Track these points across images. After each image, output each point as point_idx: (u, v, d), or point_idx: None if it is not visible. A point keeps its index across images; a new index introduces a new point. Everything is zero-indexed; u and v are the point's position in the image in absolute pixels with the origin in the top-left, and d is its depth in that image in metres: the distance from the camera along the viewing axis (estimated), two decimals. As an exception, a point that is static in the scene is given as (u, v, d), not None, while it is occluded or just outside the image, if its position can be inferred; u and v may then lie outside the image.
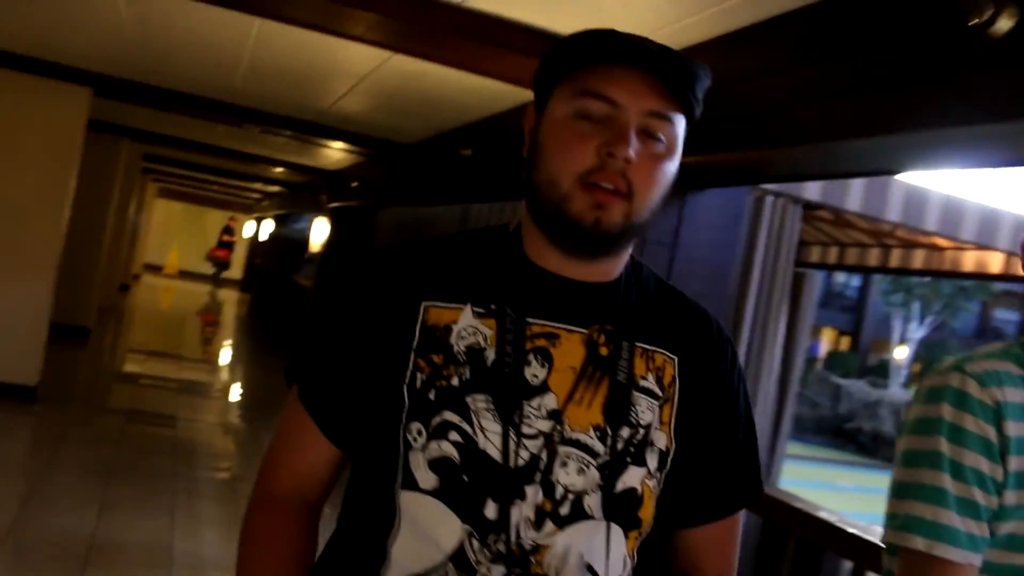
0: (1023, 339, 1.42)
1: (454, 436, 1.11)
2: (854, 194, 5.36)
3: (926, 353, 24.78)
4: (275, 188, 16.51)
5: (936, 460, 1.31)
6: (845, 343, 30.26)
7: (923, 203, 5.70)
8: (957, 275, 8.30)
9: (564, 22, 3.31)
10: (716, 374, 1.28)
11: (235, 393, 10.62)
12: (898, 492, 1.35)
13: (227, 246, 27.11)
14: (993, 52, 2.05)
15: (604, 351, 1.18)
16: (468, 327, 1.16)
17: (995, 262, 7.07)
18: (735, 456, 1.29)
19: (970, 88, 2.17)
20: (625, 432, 1.16)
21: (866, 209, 5.42)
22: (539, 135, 1.19)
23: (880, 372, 26.34)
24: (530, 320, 1.17)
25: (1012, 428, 1.30)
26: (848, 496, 17.00)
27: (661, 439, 1.20)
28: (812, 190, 5.15)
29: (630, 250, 1.26)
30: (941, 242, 6.86)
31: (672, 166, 1.16)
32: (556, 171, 1.13)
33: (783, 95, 2.92)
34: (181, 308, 19.78)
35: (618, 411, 1.16)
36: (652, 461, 1.18)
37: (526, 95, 4.48)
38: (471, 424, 1.11)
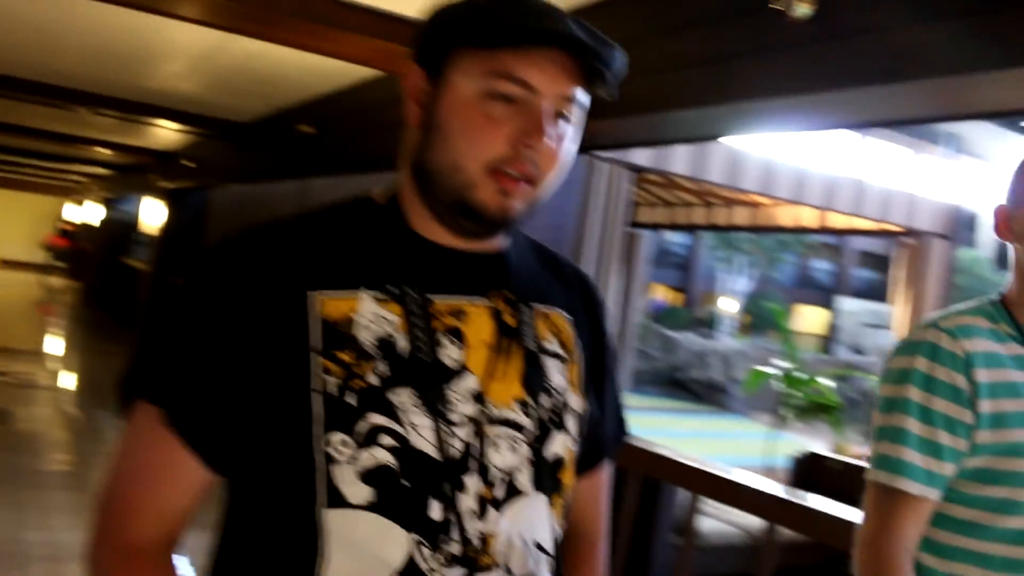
0: (996, 298, 1.56)
1: (387, 440, 1.01)
2: (680, 158, 5.73)
3: (751, 304, 26.13)
4: (102, 170, 15.85)
5: (906, 406, 1.45)
6: (678, 299, 31.56)
7: (742, 165, 6.14)
8: (776, 229, 8.89)
9: (403, 3, 3.41)
10: (600, 327, 1.28)
11: (71, 382, 10.27)
12: (875, 436, 1.51)
13: (68, 235, 25.73)
14: (794, 33, 2.33)
15: (510, 320, 1.13)
16: (371, 315, 1.05)
17: (809, 216, 7.65)
18: (610, 403, 1.29)
19: (775, 64, 2.44)
20: (546, 401, 1.12)
21: (691, 171, 5.80)
22: (439, 110, 1.07)
23: (709, 324, 27.60)
24: (433, 298, 1.08)
25: (982, 375, 1.44)
26: (685, 440, 17.84)
27: (575, 401, 1.17)
28: (641, 156, 5.46)
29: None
30: (760, 199, 7.35)
31: (575, 145, 1.11)
32: (462, 156, 1.04)
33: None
34: (7, 299, 18.75)
35: (535, 380, 1.12)
36: (572, 425, 1.15)
37: (366, 72, 4.59)
38: (401, 424, 1.02)
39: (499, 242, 1.16)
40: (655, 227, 9.55)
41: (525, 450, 1.09)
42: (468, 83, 1.05)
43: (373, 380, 1.02)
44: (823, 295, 31.37)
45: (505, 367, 1.10)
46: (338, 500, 1.00)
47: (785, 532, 2.71)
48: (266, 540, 1.05)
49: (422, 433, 1.03)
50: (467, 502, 1.04)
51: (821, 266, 32.39)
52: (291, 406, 1.01)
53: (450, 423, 1.04)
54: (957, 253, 8.14)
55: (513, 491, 1.08)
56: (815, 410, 7.40)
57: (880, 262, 30.63)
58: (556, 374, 1.15)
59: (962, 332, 1.47)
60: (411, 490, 1.02)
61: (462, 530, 1.04)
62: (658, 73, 2.83)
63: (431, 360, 1.05)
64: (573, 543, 1.28)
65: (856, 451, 8.00)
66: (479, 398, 1.07)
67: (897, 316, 7.66)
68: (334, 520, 1.00)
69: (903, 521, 1.44)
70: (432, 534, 1.02)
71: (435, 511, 1.03)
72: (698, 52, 2.70)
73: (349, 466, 1.00)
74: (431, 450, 1.03)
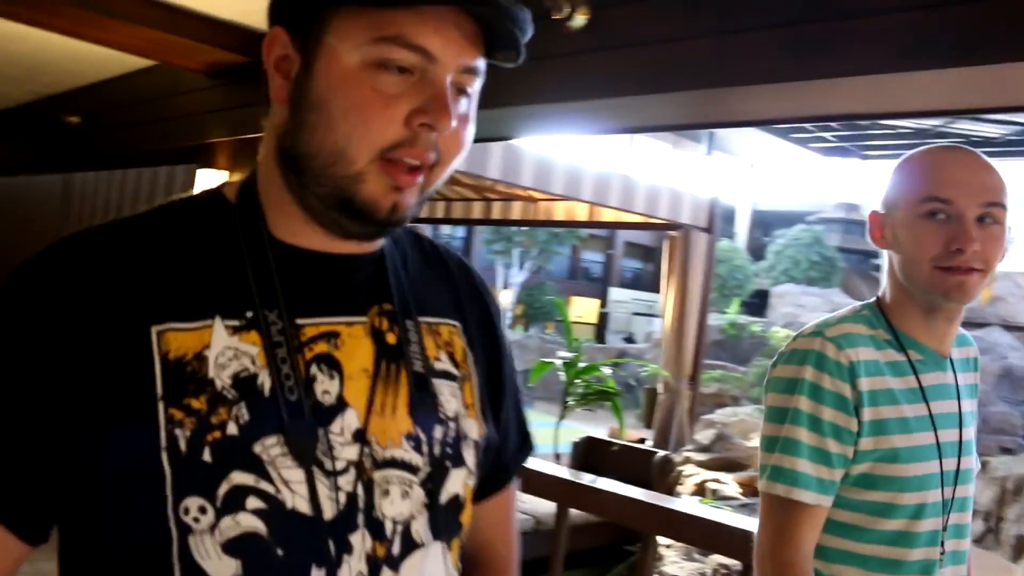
0: (873, 303, 1.60)
1: (254, 503, 0.84)
2: (460, 155, 5.84)
3: (526, 295, 26.81)
4: None
5: (796, 416, 1.48)
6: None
7: (519, 161, 6.35)
8: (550, 223, 9.20)
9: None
10: (494, 332, 1.11)
11: None
12: (766, 446, 1.53)
13: None
14: (571, 43, 2.47)
15: (391, 338, 0.96)
16: (225, 350, 0.86)
17: (581, 211, 7.98)
18: (512, 419, 1.14)
19: (556, 71, 2.58)
20: (439, 432, 0.96)
21: (470, 168, 5.94)
22: (313, 84, 0.87)
23: (487, 316, 27.93)
24: (300, 322, 0.91)
25: (865, 384, 1.47)
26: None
27: (472, 428, 1.00)
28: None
29: None
30: (535, 195, 7.60)
31: (474, 124, 0.94)
32: (347, 142, 0.85)
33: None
34: None
35: (426, 409, 0.96)
36: (470, 457, 1.00)
37: (137, 61, 4.43)
38: (270, 480, 0.84)
39: (378, 241, 0.99)
40: (432, 221, 9.67)
41: (419, 494, 0.93)
42: (350, 50, 0.85)
43: (232, 430, 0.84)
44: (596, 286, 32.62)
45: (390, 397, 0.93)
46: None
47: (574, 514, 2.86)
48: None
49: (296, 489, 0.85)
50: (356, 565, 0.88)
51: (594, 258, 33.70)
52: (135, 468, 0.83)
53: (329, 473, 0.87)
54: (718, 244, 8.73)
55: (410, 544, 0.92)
56: (597, 397, 7.74)
57: (648, 253, 32.25)
58: (449, 399, 0.99)
59: (847, 341, 1.49)
60: (286, 559, 0.85)
61: None
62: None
63: (301, 398, 0.87)
64: (484, 573, 1.15)
65: (632, 435, 8.45)
66: (362, 438, 0.90)
67: (664, 305, 8.13)
68: None
69: (801, 530, 1.47)
70: None
71: None
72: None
73: (208, 536, 0.83)
74: (308, 508, 0.86)
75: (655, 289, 9.45)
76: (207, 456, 0.83)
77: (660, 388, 8.16)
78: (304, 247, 0.93)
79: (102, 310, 0.84)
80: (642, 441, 8.21)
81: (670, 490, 6.58)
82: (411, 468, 0.93)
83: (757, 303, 22.69)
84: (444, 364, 1.00)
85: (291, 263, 0.93)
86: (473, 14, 0.86)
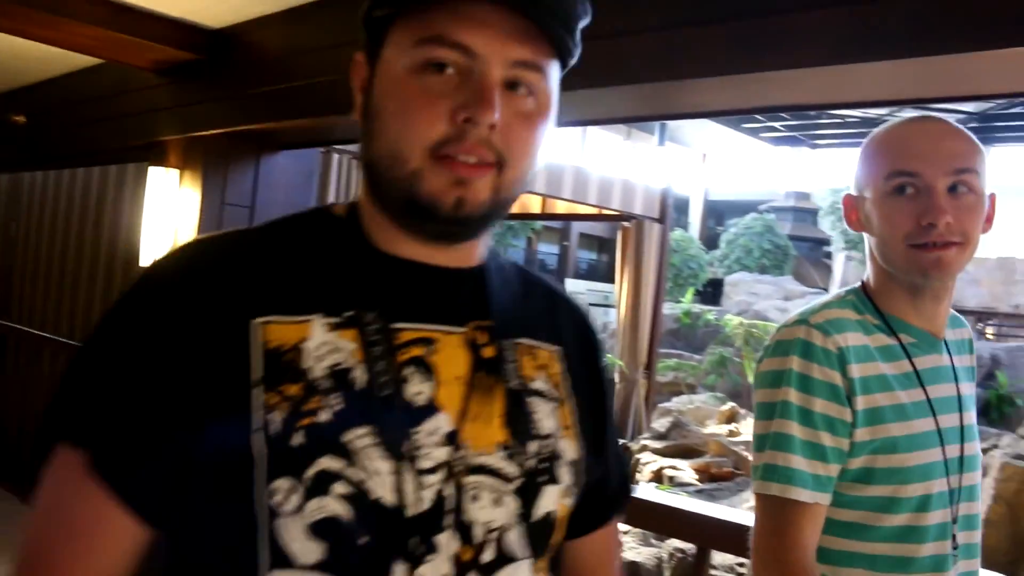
0: (858, 288, 1.51)
1: (340, 488, 0.84)
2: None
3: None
4: None
5: (786, 410, 1.38)
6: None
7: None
8: (516, 216, 9.23)
9: (129, -8, 3.31)
10: (596, 368, 1.10)
11: None
12: (757, 445, 1.43)
13: None
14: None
15: (488, 352, 0.95)
16: (323, 344, 0.89)
17: (535, 203, 8.02)
18: (611, 453, 1.11)
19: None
20: (533, 446, 0.95)
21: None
22: (373, 94, 0.92)
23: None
24: (397, 325, 0.92)
25: (856, 371, 1.38)
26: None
27: (569, 448, 0.99)
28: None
29: (493, 230, 1.01)
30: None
31: (547, 125, 0.93)
32: (400, 143, 0.88)
33: (344, 67, 3.20)
34: None
35: (521, 423, 0.95)
36: (566, 476, 0.98)
37: (85, 60, 4.37)
38: (357, 468, 0.85)
39: (475, 253, 1.00)
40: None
41: (512, 504, 0.92)
42: (399, 56, 0.89)
43: (324, 417, 0.86)
44: (552, 277, 32.68)
45: (484, 407, 0.93)
46: (283, 560, 0.84)
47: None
48: None
49: (383, 480, 0.85)
50: (440, 566, 0.87)
51: (549, 250, 33.82)
52: (230, 449, 0.84)
53: (419, 471, 0.87)
54: (672, 234, 8.82)
55: (503, 556, 0.91)
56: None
57: (603, 244, 32.41)
58: (546, 417, 0.98)
59: (833, 327, 1.41)
60: (370, 548, 0.85)
61: None
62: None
63: (394, 395, 0.89)
64: None
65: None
66: (453, 440, 0.90)
67: (619, 295, 8.21)
68: None
69: (803, 530, 1.37)
70: None
71: (399, 575, 0.85)
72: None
73: (296, 518, 0.84)
74: (393, 500, 0.86)
75: (610, 280, 9.50)
76: (299, 439, 0.84)
77: (616, 378, 8.24)
78: (403, 256, 0.95)
79: (211, 306, 0.88)
80: (600, 430, 8.28)
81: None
82: (504, 477, 0.92)
83: (711, 292, 22.92)
84: (541, 384, 0.99)
85: (391, 270, 0.95)
86: (511, 8, 0.87)
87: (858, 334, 1.42)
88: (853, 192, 1.51)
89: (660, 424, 8.14)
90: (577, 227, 31.90)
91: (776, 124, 22.54)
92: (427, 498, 0.87)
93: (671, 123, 15.83)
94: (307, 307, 0.90)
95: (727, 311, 17.85)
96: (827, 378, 1.38)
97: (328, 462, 0.84)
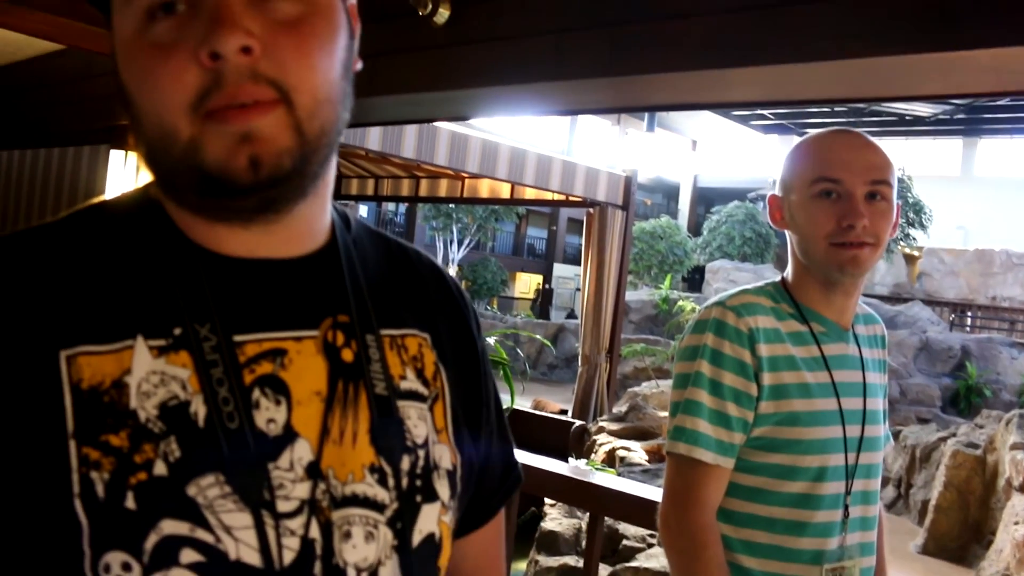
0: (777, 282, 1.66)
1: (189, 556, 0.69)
2: (373, 136, 6.03)
3: (469, 271, 26.96)
4: None
5: (698, 380, 1.54)
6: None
7: (433, 140, 6.53)
8: (475, 200, 9.38)
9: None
10: (471, 342, 0.96)
11: None
12: (672, 410, 1.59)
13: None
14: (438, 35, 2.67)
15: (348, 355, 0.81)
16: (150, 375, 0.72)
17: (504, 188, 8.19)
18: (493, 440, 0.99)
19: (424, 62, 2.78)
20: (406, 462, 0.82)
21: (384, 148, 6.11)
22: (120, 73, 0.75)
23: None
24: (239, 338, 0.76)
25: (764, 350, 1.53)
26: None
27: (445, 455, 0.87)
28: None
29: (330, 191, 0.84)
30: (451, 173, 7.79)
31: (331, 27, 0.76)
32: (160, 114, 0.71)
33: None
34: None
35: (391, 436, 0.82)
36: (444, 489, 0.85)
37: (47, 45, 4.50)
38: (208, 528, 0.70)
39: (315, 228, 0.83)
40: (364, 199, 9.80)
41: (386, 535, 0.79)
42: (124, 17, 0.73)
43: (161, 470, 0.70)
44: (540, 262, 32.88)
45: (348, 424, 0.79)
46: None
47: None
48: None
49: (240, 537, 0.71)
50: None
51: (538, 234, 33.94)
52: (48, 520, 0.68)
53: (280, 516, 0.73)
54: (658, 221, 8.96)
55: None
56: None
57: (590, 229, 32.59)
58: (418, 423, 0.85)
59: (746, 310, 1.56)
60: None
61: None
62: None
63: (243, 426, 0.73)
64: None
65: (555, 406, 8.65)
66: (316, 472, 0.76)
67: (583, 280, 8.39)
68: None
69: (705, 489, 1.53)
70: None
71: None
72: (371, 48, 2.99)
73: None
74: (257, 560, 0.71)
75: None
76: (131, 502, 0.69)
77: (579, 361, 8.43)
78: (226, 253, 0.78)
79: (9, 336, 0.70)
80: (563, 412, 8.49)
81: (585, 457, 6.87)
82: (376, 505, 0.79)
83: (697, 279, 23.09)
84: (411, 383, 0.86)
85: (222, 272, 0.78)
86: None
87: (769, 318, 1.57)
88: (778, 193, 1.67)
89: (620, 407, 8.35)
90: (566, 212, 32.06)
91: (766, 112, 22.69)
92: (292, 547, 0.73)
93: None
94: (125, 329, 0.73)
95: (706, 298, 18.04)
96: (737, 355, 1.53)
97: (171, 526, 0.69)
